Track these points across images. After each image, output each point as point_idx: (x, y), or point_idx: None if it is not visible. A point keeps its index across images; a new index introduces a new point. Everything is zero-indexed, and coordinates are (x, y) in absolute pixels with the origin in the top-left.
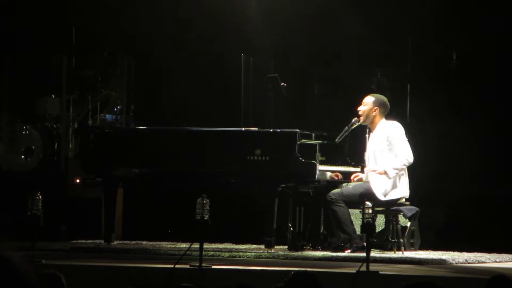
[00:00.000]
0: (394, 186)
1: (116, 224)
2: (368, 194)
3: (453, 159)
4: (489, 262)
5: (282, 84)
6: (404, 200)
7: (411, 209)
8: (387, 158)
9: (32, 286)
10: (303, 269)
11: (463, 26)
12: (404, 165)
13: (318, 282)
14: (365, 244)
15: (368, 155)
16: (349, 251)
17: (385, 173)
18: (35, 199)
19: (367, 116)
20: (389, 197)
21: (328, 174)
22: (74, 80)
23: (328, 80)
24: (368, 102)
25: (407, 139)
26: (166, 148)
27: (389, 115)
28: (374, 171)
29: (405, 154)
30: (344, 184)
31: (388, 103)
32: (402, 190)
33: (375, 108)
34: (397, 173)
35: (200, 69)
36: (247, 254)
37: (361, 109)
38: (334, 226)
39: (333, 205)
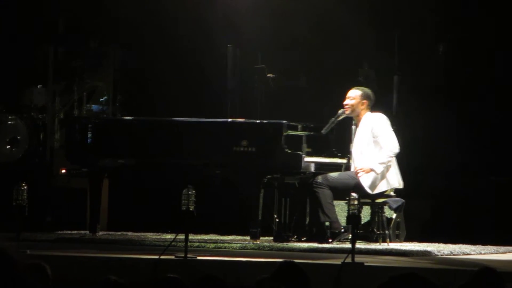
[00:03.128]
0: (382, 177)
1: (101, 215)
2: (357, 187)
3: (439, 151)
4: (474, 254)
5: (269, 75)
6: (392, 191)
7: (397, 201)
8: (373, 153)
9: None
10: (289, 259)
11: (450, 17)
12: (390, 156)
13: (304, 273)
14: (343, 230)
15: (354, 148)
16: (330, 239)
17: (372, 170)
18: (20, 189)
19: (354, 110)
20: (378, 190)
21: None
22: (60, 71)
23: (314, 71)
24: (355, 96)
25: (392, 130)
26: (152, 139)
27: (375, 107)
28: (362, 170)
29: (390, 145)
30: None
31: (373, 96)
32: (391, 181)
33: (364, 101)
34: (384, 167)
35: (187, 60)
36: (233, 245)
37: (348, 102)
38: (316, 208)
39: (315, 188)
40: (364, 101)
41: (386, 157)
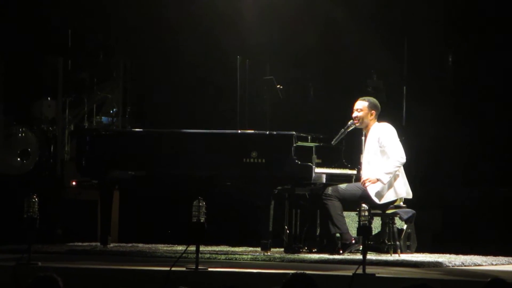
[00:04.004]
0: (389, 187)
1: (112, 227)
2: (364, 197)
3: (450, 162)
4: (485, 265)
5: (278, 86)
6: (402, 202)
7: (408, 212)
8: (379, 163)
9: None
10: (301, 271)
11: (459, 27)
12: (397, 166)
13: (315, 284)
14: (353, 241)
15: (364, 159)
16: (341, 251)
17: (379, 180)
18: (31, 201)
19: (363, 121)
20: (385, 200)
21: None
22: (70, 83)
23: (323, 82)
24: (363, 107)
25: (399, 140)
26: (162, 151)
27: (385, 118)
28: (368, 180)
29: (396, 155)
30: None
31: (379, 104)
32: (398, 191)
33: (372, 111)
34: (391, 177)
35: (197, 72)
36: (244, 256)
37: (357, 115)
38: (326, 220)
39: (325, 200)
40: (372, 111)
41: (393, 167)
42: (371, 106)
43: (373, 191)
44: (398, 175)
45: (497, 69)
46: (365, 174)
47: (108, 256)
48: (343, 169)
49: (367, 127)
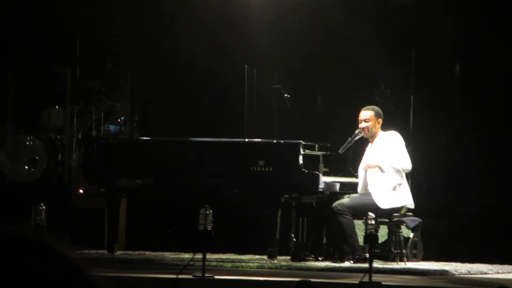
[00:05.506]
0: (394, 193)
1: (119, 235)
2: (371, 204)
3: (456, 170)
4: (491, 273)
5: (285, 95)
6: (406, 210)
7: (414, 220)
8: (389, 168)
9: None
10: (307, 279)
11: (466, 37)
12: (402, 168)
13: None
14: (367, 255)
15: (363, 167)
16: (351, 261)
17: (378, 167)
18: (39, 209)
19: (371, 130)
20: (390, 205)
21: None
22: (78, 91)
23: (331, 91)
24: (370, 117)
25: (405, 148)
26: (169, 159)
27: (392, 127)
28: (368, 166)
29: (403, 163)
30: (346, 196)
31: (382, 112)
32: (404, 198)
33: (379, 120)
34: (392, 171)
35: (204, 80)
36: (250, 264)
37: (366, 125)
38: (339, 237)
39: (339, 217)
40: (379, 119)
41: (398, 166)
42: (377, 115)
43: (377, 197)
44: (401, 184)
45: (505, 78)
46: (372, 180)
47: (115, 264)
48: (350, 178)
49: (373, 136)
